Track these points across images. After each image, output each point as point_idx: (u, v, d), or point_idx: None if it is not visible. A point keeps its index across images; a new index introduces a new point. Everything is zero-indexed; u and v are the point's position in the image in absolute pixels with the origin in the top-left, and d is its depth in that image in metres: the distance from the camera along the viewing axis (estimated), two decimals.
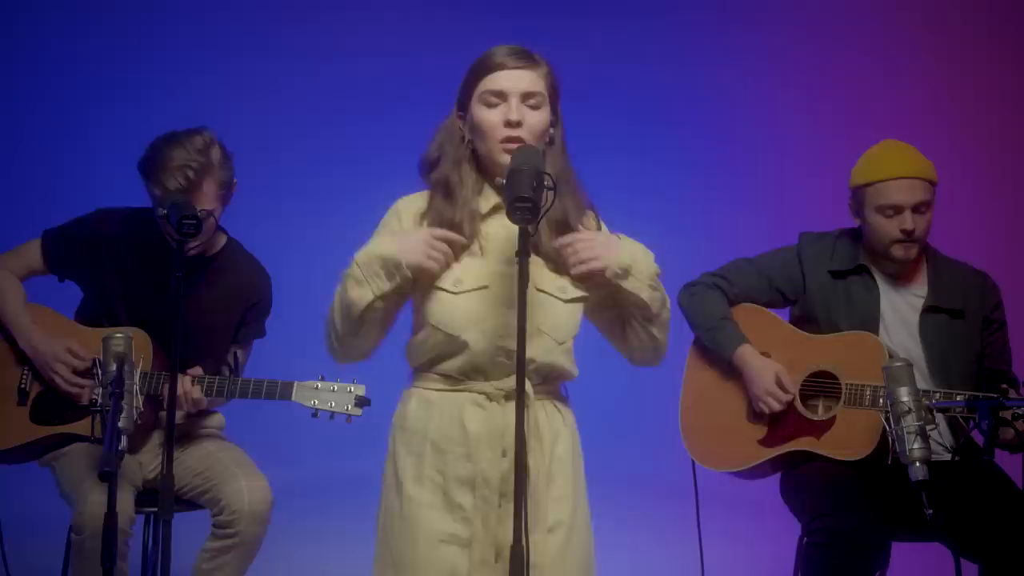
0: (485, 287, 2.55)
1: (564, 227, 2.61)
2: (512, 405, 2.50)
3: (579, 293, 2.62)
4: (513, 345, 2.48)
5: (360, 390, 3.35)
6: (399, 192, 6.15)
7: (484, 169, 2.61)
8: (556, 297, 2.59)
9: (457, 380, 2.57)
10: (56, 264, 3.51)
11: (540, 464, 2.56)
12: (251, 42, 6.15)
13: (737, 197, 6.19)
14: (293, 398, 3.35)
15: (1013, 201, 6.00)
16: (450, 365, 2.57)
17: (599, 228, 2.68)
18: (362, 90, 6.20)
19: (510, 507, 2.51)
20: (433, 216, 2.61)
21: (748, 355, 3.46)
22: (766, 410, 3.42)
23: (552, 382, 2.66)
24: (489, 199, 2.60)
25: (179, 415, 3.23)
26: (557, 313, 2.59)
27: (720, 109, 6.26)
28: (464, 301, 2.55)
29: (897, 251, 3.41)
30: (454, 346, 2.55)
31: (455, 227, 2.59)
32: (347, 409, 3.35)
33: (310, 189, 6.19)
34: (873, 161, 3.49)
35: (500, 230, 2.59)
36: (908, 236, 3.40)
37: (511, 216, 2.36)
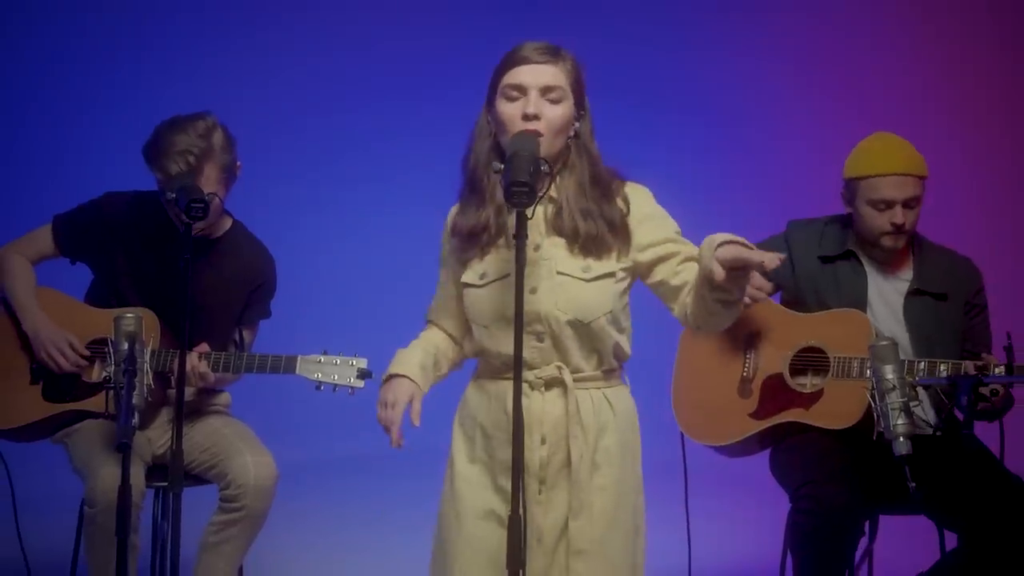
0: (508, 276, 2.58)
1: (592, 215, 2.63)
2: (553, 393, 2.62)
3: (606, 270, 2.63)
4: (539, 327, 2.59)
5: (362, 363, 3.39)
6: (398, 176, 6.21)
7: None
8: (578, 278, 2.62)
9: (502, 369, 2.64)
10: (67, 247, 3.56)
11: (584, 453, 2.62)
12: (254, 29, 6.16)
13: (736, 184, 6.18)
14: (297, 372, 3.39)
15: (1008, 188, 6.03)
16: (493, 354, 2.65)
17: (628, 211, 2.66)
18: (361, 76, 6.22)
19: (550, 494, 2.63)
20: (458, 220, 2.70)
21: None
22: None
23: (598, 367, 2.68)
24: None
25: (187, 392, 3.27)
26: (579, 294, 2.62)
27: (720, 96, 6.25)
28: (489, 292, 2.63)
29: (887, 241, 3.50)
30: (488, 334, 2.63)
31: (479, 228, 2.65)
32: (349, 382, 3.39)
33: (312, 174, 6.20)
34: (866, 155, 3.55)
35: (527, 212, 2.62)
36: (898, 229, 3.48)
37: (509, 200, 2.40)
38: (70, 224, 3.57)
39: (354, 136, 6.24)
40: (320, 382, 3.38)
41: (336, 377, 3.38)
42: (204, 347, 3.37)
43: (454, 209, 2.76)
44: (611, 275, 2.62)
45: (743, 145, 6.29)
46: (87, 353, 3.47)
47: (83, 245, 3.57)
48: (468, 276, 2.67)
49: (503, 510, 2.57)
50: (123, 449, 2.65)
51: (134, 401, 2.69)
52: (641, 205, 2.69)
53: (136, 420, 2.77)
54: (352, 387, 3.38)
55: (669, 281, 2.65)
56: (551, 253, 2.62)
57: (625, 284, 2.67)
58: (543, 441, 2.60)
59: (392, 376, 2.72)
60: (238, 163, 3.45)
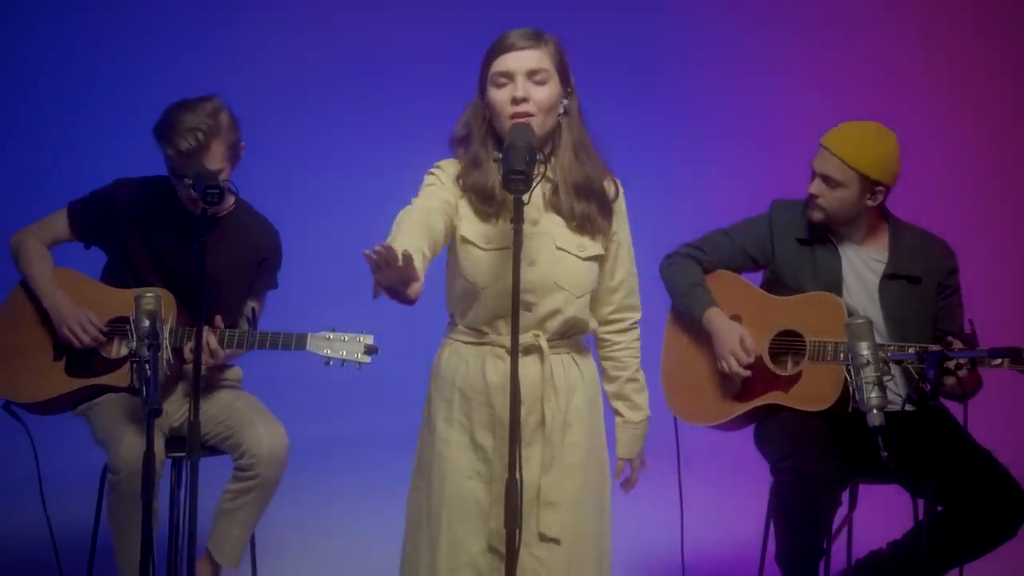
0: (508, 247, 2.64)
1: (584, 190, 2.77)
2: (530, 359, 2.72)
3: (596, 252, 2.78)
4: (531, 298, 2.68)
5: (368, 339, 3.43)
6: (395, 149, 6.20)
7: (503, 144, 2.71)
8: (574, 255, 2.75)
9: (482, 333, 2.75)
10: (81, 232, 3.63)
11: (556, 413, 2.75)
12: (256, 14, 6.29)
13: (726, 169, 6.31)
14: (307, 348, 3.42)
15: (985, 171, 6.13)
16: (476, 317, 2.74)
17: (616, 193, 2.82)
18: (357, 54, 6.38)
19: (527, 451, 2.72)
20: (466, 178, 2.76)
21: (715, 317, 3.59)
22: (727, 369, 3.54)
23: (571, 336, 2.81)
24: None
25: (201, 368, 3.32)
26: (575, 269, 2.76)
27: (704, 79, 6.38)
28: (490, 257, 2.72)
29: (808, 212, 3.58)
30: (480, 297, 2.72)
31: (490, 193, 2.73)
32: (357, 357, 3.42)
33: (314, 156, 6.38)
34: (834, 128, 3.60)
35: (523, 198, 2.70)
36: (809, 199, 3.56)
37: (506, 186, 2.52)
38: (84, 209, 3.63)
39: (354, 118, 6.37)
40: (329, 358, 3.41)
41: (344, 353, 3.42)
42: (218, 320, 3.44)
43: (449, 164, 2.81)
44: (598, 257, 2.78)
45: (727, 128, 6.36)
46: (106, 328, 3.53)
47: (97, 229, 3.63)
48: (472, 234, 2.75)
49: (482, 468, 2.73)
50: (154, 415, 2.74)
51: (150, 375, 2.76)
52: (620, 201, 2.85)
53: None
54: (359, 362, 3.42)
55: (599, 295, 2.85)
56: (550, 229, 2.74)
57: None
58: (521, 402, 2.68)
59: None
60: (242, 143, 3.51)
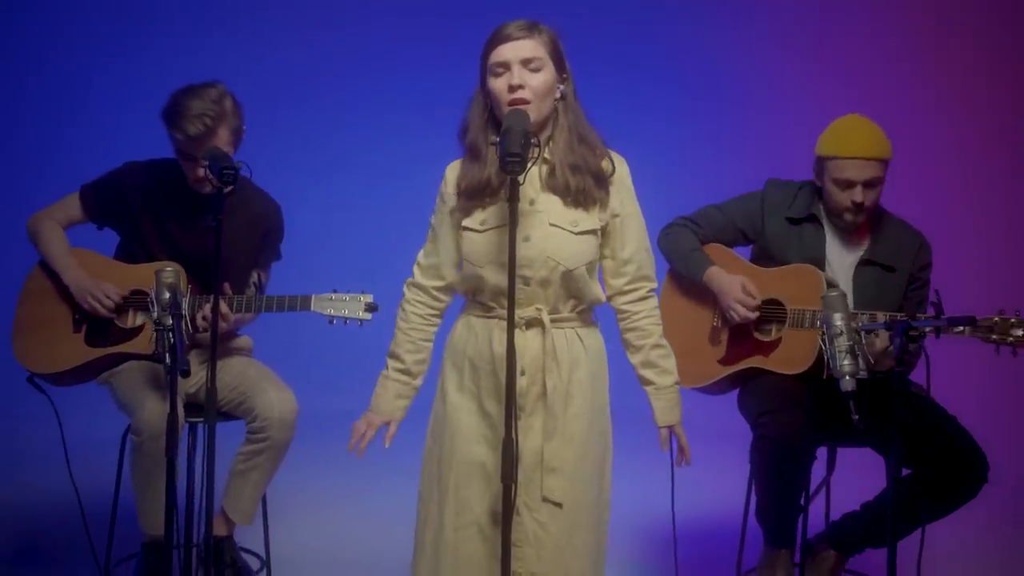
0: (504, 225, 2.79)
1: (579, 168, 2.87)
2: (532, 332, 2.87)
3: (591, 226, 2.88)
4: (528, 272, 2.82)
5: (368, 298, 3.53)
6: (394, 123, 6.19)
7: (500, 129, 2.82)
8: (567, 230, 2.86)
9: (489, 308, 2.89)
10: (94, 213, 3.73)
11: (558, 384, 2.88)
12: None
13: (723, 146, 6.42)
14: (312, 308, 3.52)
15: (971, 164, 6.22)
16: (482, 293, 2.89)
17: (613, 171, 2.93)
18: (355, 32, 6.48)
19: (529, 420, 2.87)
20: (463, 178, 2.92)
21: (716, 273, 3.71)
22: (736, 317, 3.64)
23: (575, 309, 2.91)
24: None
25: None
26: (567, 243, 2.86)
27: (717, 68, 6.47)
28: (486, 238, 2.86)
29: (847, 216, 3.65)
30: (482, 274, 2.86)
31: (482, 185, 2.88)
32: (359, 315, 3.53)
33: (315, 135, 6.50)
34: (834, 135, 3.68)
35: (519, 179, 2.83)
36: (857, 208, 3.62)
37: (503, 168, 2.67)
38: (96, 192, 3.72)
39: (352, 98, 6.50)
40: (332, 316, 3.52)
41: (346, 311, 3.52)
42: (226, 287, 3.52)
43: (452, 169, 2.97)
44: (593, 231, 2.89)
45: (723, 109, 6.45)
46: (125, 294, 3.63)
47: (109, 210, 3.72)
48: (469, 222, 2.89)
49: (489, 432, 2.87)
50: (184, 375, 2.87)
51: (176, 342, 2.88)
52: (623, 176, 2.95)
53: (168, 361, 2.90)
54: (361, 319, 3.53)
55: (613, 267, 2.98)
56: (545, 207, 2.87)
57: (600, 239, 2.94)
58: (522, 373, 2.84)
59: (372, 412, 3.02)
60: (244, 127, 3.61)
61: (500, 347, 2.84)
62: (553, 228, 2.87)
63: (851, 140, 3.65)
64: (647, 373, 3.01)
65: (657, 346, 3.02)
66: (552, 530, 2.87)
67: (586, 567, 2.94)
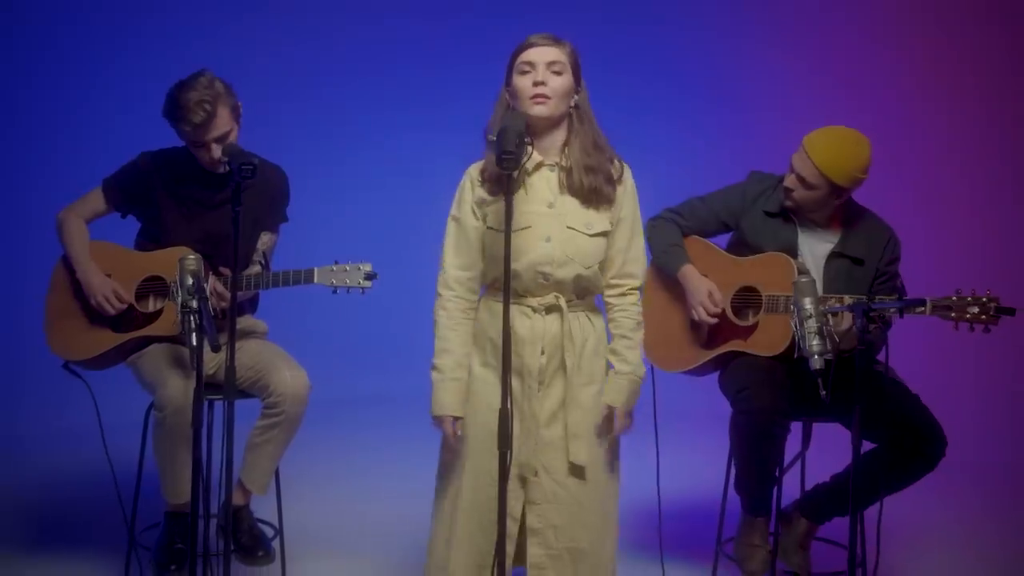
0: (528, 227, 3.13)
1: (592, 170, 3.15)
2: (552, 316, 3.16)
3: (603, 228, 3.19)
4: (548, 269, 3.10)
5: (367, 267, 3.62)
6: (396, 103, 6.22)
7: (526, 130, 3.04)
8: (583, 232, 3.18)
9: (512, 294, 3.11)
10: (117, 203, 3.87)
11: (572, 358, 3.18)
12: None
13: (716, 144, 6.57)
14: (316, 281, 3.61)
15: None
16: (502, 282, 3.07)
17: (622, 176, 3.22)
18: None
19: (547, 391, 3.16)
20: (488, 168, 3.18)
21: (689, 273, 3.88)
22: (696, 317, 3.82)
23: (584, 297, 3.23)
24: (533, 158, 3.12)
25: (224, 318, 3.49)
26: (583, 245, 3.18)
27: (715, 68, 6.60)
28: (512, 239, 3.02)
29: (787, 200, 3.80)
30: (502, 267, 3.07)
31: (501, 179, 3.10)
32: (360, 283, 3.62)
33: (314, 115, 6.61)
34: (815, 139, 3.77)
35: (540, 181, 3.16)
36: (787, 194, 3.79)
37: (499, 164, 2.92)
38: (117, 183, 3.86)
39: (354, 76, 6.62)
40: (335, 286, 3.61)
41: (348, 281, 3.61)
42: (223, 270, 3.62)
43: (475, 167, 3.23)
44: (605, 233, 3.19)
45: (715, 107, 6.59)
46: (130, 300, 3.75)
47: (130, 199, 3.84)
48: (492, 221, 3.17)
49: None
50: (215, 350, 3.04)
51: (205, 323, 3.05)
52: (629, 180, 3.24)
53: (196, 340, 3.04)
54: (362, 287, 3.62)
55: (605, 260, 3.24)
56: (564, 210, 3.17)
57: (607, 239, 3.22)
58: (542, 352, 3.15)
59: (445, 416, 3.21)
60: (240, 103, 3.73)
61: (522, 330, 3.15)
62: (571, 231, 3.16)
63: (816, 139, 3.77)
64: (611, 358, 3.29)
65: (624, 337, 3.28)
66: (572, 488, 3.16)
67: (601, 520, 3.23)
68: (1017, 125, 6.22)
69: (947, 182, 6.35)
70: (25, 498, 4.82)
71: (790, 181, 3.80)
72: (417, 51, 6.77)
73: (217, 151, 3.67)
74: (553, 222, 3.15)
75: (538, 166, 3.18)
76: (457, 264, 3.24)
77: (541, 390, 3.17)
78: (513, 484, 3.14)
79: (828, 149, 3.75)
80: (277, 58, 6.50)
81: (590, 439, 3.22)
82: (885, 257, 3.85)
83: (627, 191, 3.25)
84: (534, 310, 3.18)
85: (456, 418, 3.19)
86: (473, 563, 3.20)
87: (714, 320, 3.82)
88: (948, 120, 6.35)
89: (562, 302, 3.17)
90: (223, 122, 3.68)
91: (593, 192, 3.17)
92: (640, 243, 3.30)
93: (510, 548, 3.13)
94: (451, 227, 3.27)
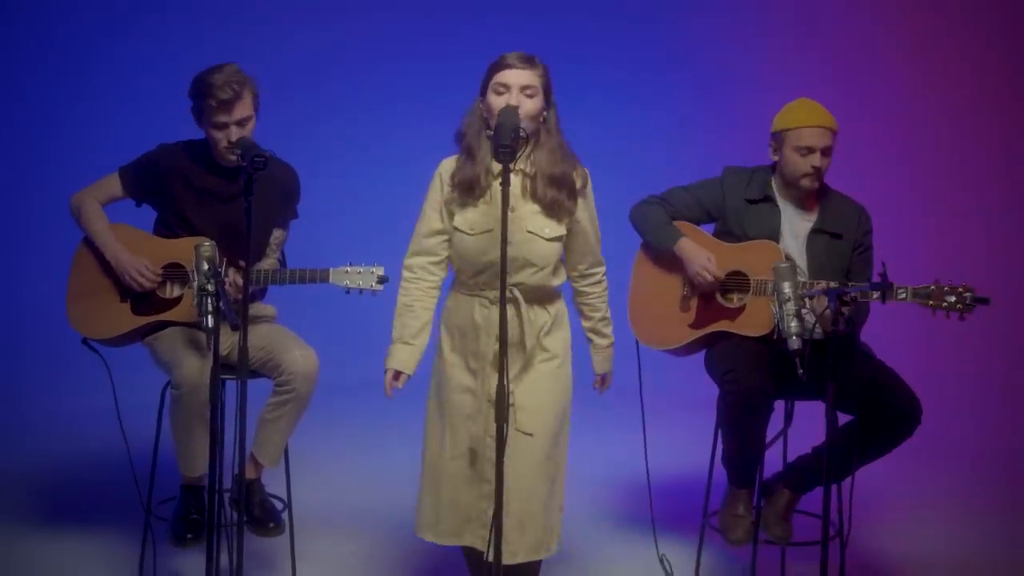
0: (490, 230, 3.37)
1: (556, 181, 3.39)
2: (510, 307, 3.37)
3: (559, 233, 3.43)
4: (508, 268, 3.28)
5: (380, 270, 3.75)
6: (396, 106, 6.12)
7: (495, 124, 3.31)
8: (541, 237, 3.42)
9: (471, 288, 3.44)
10: (133, 191, 3.93)
11: (531, 340, 3.43)
12: None
13: (693, 137, 6.60)
14: (330, 281, 3.73)
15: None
16: (467, 278, 3.43)
17: (585, 186, 3.43)
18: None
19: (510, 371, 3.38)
20: (457, 174, 3.43)
21: (687, 244, 3.98)
22: (701, 281, 3.91)
23: (539, 292, 3.48)
24: (498, 165, 3.29)
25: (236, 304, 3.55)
26: (541, 248, 3.43)
27: (710, 62, 6.65)
28: (475, 240, 3.42)
29: (805, 182, 3.92)
30: (469, 271, 3.41)
31: (473, 181, 3.39)
32: (372, 286, 3.75)
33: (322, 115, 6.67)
34: (792, 111, 3.94)
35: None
36: (816, 172, 3.90)
37: (496, 157, 3.11)
38: (134, 172, 3.92)
39: (360, 73, 6.68)
40: (348, 287, 3.74)
41: (361, 283, 3.74)
42: (239, 263, 3.70)
43: (448, 162, 3.46)
44: (560, 237, 3.43)
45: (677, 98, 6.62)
46: (161, 272, 3.82)
47: (146, 187, 3.90)
48: (461, 224, 3.42)
49: (473, 384, 3.46)
50: (234, 329, 3.19)
51: (223, 306, 3.16)
52: (589, 193, 3.49)
53: (212, 322, 3.15)
54: (374, 290, 3.75)
55: (576, 257, 3.54)
56: (524, 215, 3.40)
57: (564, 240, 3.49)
58: (496, 340, 3.36)
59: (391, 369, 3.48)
60: (259, 95, 3.82)
61: (480, 320, 3.42)
62: (530, 235, 3.40)
63: (809, 113, 3.92)
64: (593, 336, 3.70)
65: (604, 318, 3.70)
66: (522, 452, 3.41)
67: (545, 476, 3.48)
68: (1010, 120, 6.27)
69: (940, 176, 6.39)
70: (43, 476, 4.94)
71: (816, 161, 3.89)
72: (418, 49, 6.85)
73: (235, 134, 3.75)
74: (513, 226, 3.31)
75: (501, 172, 3.32)
76: (418, 250, 3.51)
77: (492, 373, 3.40)
78: (475, 446, 3.44)
79: (823, 111, 3.92)
80: (283, 53, 6.56)
81: (539, 409, 3.45)
82: (860, 228, 3.99)
83: (587, 200, 3.50)
84: (491, 301, 3.43)
85: (400, 373, 3.47)
86: (461, 515, 3.49)
87: (719, 278, 3.92)
88: (937, 114, 6.38)
89: (518, 293, 3.41)
90: (246, 106, 3.77)
91: (555, 204, 3.41)
92: (599, 235, 3.58)
93: (485, 505, 3.40)
94: (421, 216, 3.52)
